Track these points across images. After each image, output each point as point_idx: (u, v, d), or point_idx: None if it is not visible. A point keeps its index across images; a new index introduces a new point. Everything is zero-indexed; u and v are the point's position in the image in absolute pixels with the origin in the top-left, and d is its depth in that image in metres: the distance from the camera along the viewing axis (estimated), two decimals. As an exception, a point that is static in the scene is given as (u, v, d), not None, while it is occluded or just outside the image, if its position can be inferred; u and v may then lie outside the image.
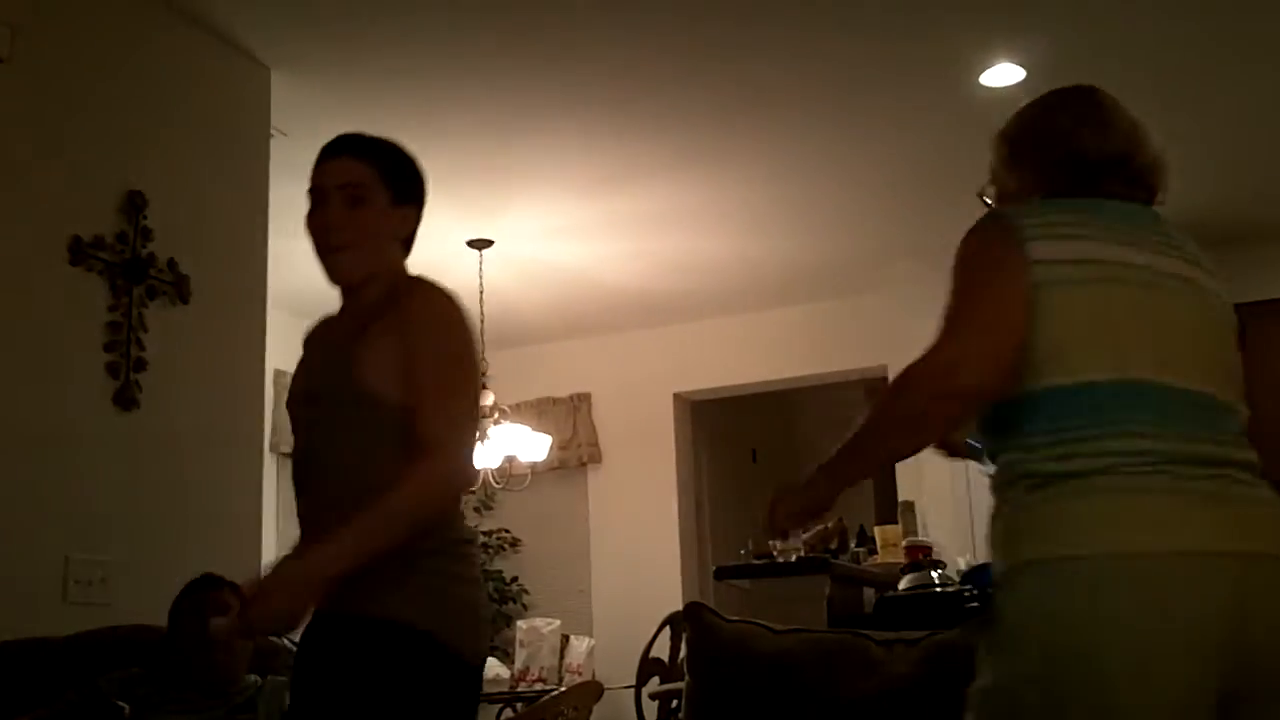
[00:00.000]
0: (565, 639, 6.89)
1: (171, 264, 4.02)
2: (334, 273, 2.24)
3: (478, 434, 2.24)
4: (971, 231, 1.91)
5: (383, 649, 2.00)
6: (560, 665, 6.70)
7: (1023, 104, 2.08)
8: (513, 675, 6.66)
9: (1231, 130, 5.62)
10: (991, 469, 1.87)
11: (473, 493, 7.48)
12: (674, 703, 5.39)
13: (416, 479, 2.01)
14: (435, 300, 2.15)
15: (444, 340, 2.13)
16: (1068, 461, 1.74)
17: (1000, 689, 1.74)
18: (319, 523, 2.10)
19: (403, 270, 2.28)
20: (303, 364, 2.31)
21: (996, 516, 1.82)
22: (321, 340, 2.30)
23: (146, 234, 3.95)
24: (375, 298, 2.20)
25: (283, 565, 1.99)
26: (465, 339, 2.15)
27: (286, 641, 3.44)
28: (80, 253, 3.74)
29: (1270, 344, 6.74)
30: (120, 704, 2.70)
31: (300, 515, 2.20)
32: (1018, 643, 1.73)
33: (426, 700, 2.02)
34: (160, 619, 3.21)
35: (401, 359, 2.07)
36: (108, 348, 3.80)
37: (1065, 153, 1.99)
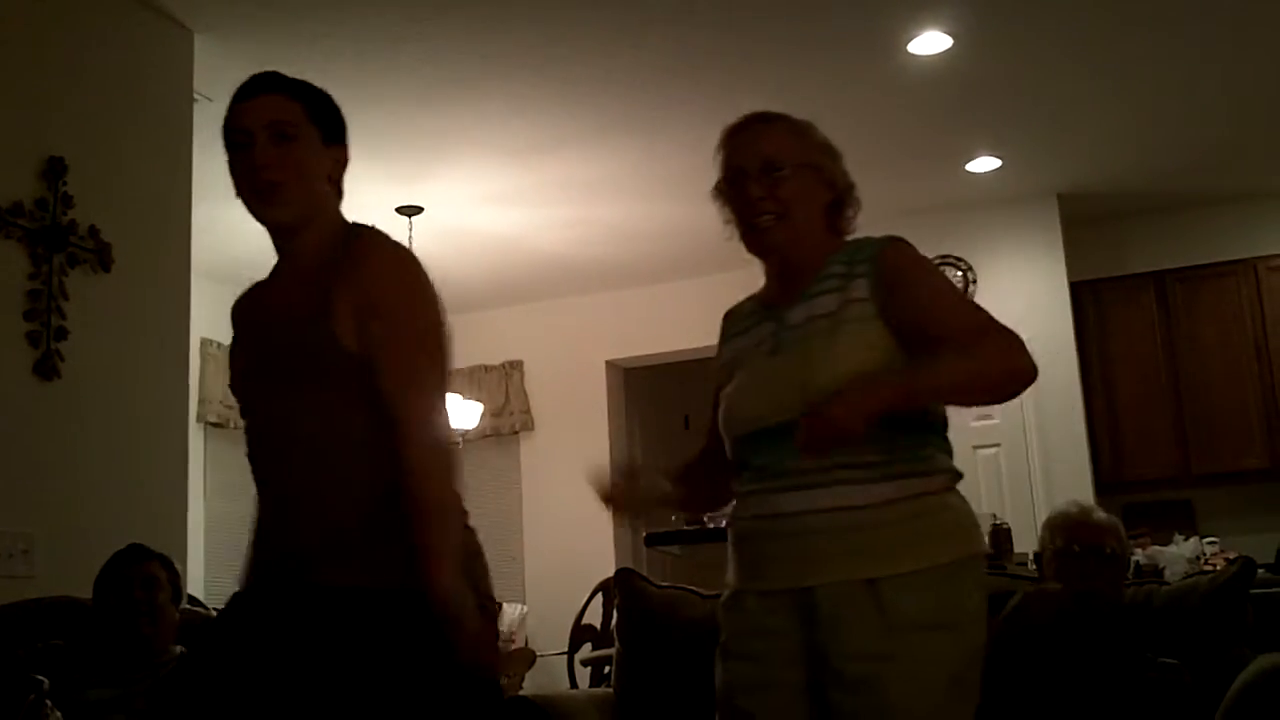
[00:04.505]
0: (498, 606, 6.89)
1: (93, 231, 3.95)
2: (267, 213, 2.06)
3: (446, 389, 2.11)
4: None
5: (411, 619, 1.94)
6: (493, 633, 6.69)
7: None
8: (445, 643, 6.65)
9: (1153, 100, 5.69)
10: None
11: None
12: (606, 669, 5.42)
13: (401, 433, 1.93)
14: (393, 259, 2.03)
15: (407, 301, 2.01)
16: None
17: None
18: (299, 499, 1.98)
19: (341, 217, 2.13)
20: (248, 336, 2.12)
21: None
22: (272, 307, 2.09)
23: (67, 200, 3.87)
24: (323, 252, 2.05)
25: None
26: (433, 300, 2.04)
27: (215, 612, 3.42)
28: (-2, 219, 3.67)
29: (1194, 307, 6.88)
30: (40, 678, 2.66)
31: (268, 495, 2.04)
32: None
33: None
34: (84, 591, 3.17)
35: (366, 320, 1.96)
36: (28, 316, 3.73)
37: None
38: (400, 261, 2.04)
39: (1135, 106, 5.75)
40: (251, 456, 2.08)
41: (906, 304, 1.98)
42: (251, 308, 2.16)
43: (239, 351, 2.13)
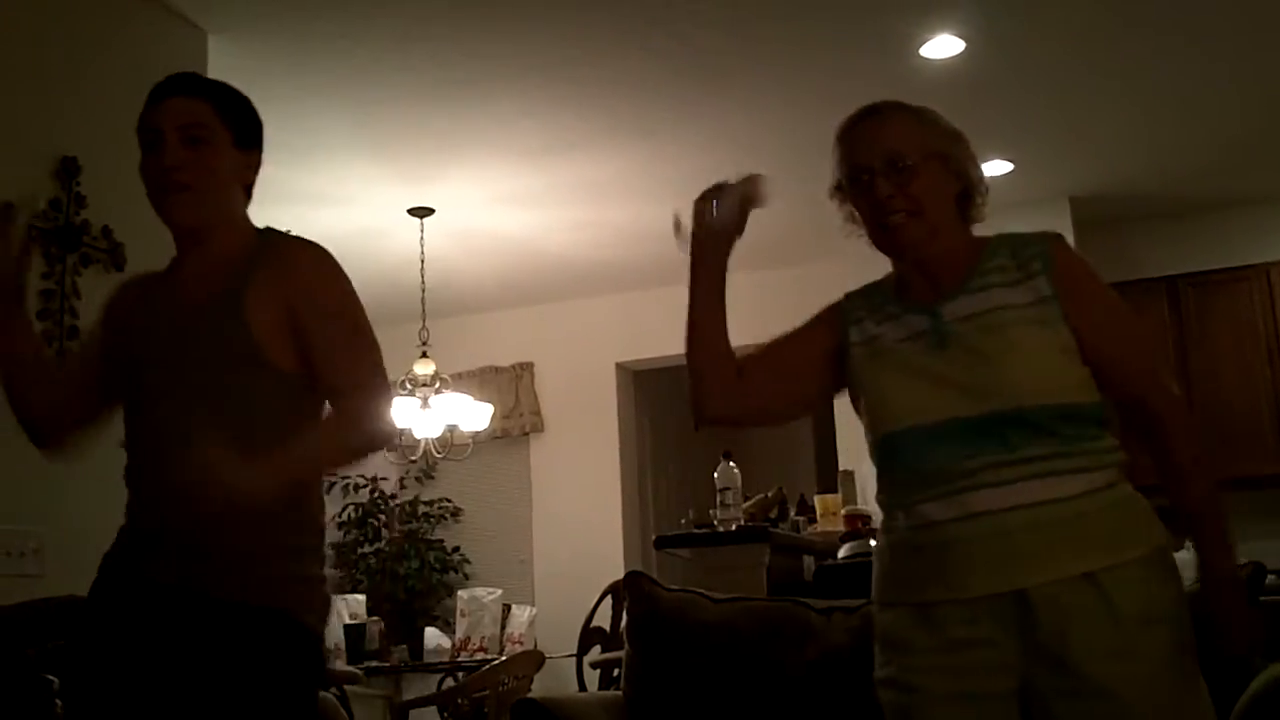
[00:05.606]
0: (507, 608, 6.89)
1: (106, 231, 3.96)
2: (174, 216, 2.09)
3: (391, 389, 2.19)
4: None
5: (275, 637, 2.01)
6: (502, 635, 6.70)
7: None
8: (454, 645, 6.66)
9: (1166, 103, 5.68)
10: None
11: (413, 461, 7.44)
12: (615, 671, 5.41)
13: (344, 417, 2.03)
14: (323, 257, 2.09)
15: (347, 298, 2.09)
16: None
17: None
18: (179, 497, 1.94)
19: (249, 222, 2.17)
20: (147, 327, 2.13)
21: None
22: (183, 303, 2.11)
23: (80, 200, 3.88)
24: (233, 254, 2.09)
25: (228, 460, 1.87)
26: (356, 295, 2.11)
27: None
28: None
29: (1206, 313, 6.85)
30: (50, 677, 2.66)
31: (154, 483, 2.10)
32: None
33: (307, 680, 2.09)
34: (94, 591, 3.17)
35: (289, 321, 2.02)
36: (41, 316, 3.73)
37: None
38: (328, 260, 2.09)
39: (1147, 110, 5.73)
40: (139, 444, 2.13)
41: (1084, 316, 1.93)
42: (151, 299, 2.17)
43: (131, 340, 2.14)
